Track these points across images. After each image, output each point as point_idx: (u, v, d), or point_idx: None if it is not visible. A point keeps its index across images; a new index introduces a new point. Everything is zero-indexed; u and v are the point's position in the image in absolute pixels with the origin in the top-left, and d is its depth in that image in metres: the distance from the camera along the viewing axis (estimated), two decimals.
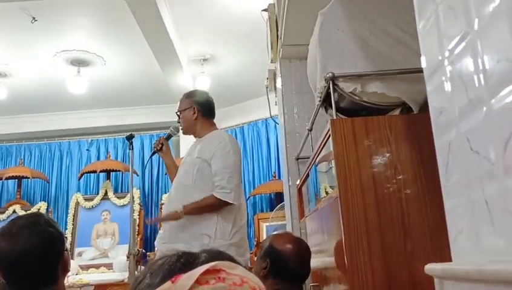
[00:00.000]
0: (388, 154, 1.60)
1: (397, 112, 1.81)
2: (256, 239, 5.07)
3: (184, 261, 0.53)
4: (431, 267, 0.59)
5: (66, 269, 1.31)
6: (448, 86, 0.59)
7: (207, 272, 0.46)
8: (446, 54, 0.58)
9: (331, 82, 1.74)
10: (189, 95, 2.57)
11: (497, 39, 0.48)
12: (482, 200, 0.51)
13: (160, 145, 2.59)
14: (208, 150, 2.37)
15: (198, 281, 0.45)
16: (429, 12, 0.63)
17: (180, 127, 2.61)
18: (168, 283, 0.46)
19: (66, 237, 1.41)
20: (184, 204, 2.28)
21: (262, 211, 5.51)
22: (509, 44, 0.45)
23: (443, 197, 0.64)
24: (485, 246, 0.51)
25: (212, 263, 0.48)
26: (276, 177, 5.41)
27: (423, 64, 0.67)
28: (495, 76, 0.48)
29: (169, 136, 2.67)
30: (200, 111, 2.48)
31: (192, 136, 2.62)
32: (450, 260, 0.63)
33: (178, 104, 2.60)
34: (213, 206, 2.27)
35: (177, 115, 2.59)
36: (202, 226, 2.26)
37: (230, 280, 0.46)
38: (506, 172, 0.46)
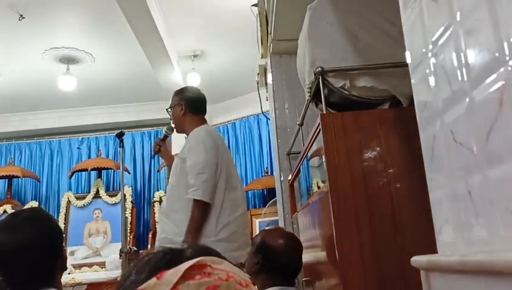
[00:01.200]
0: (378, 148, 1.61)
1: (386, 105, 1.81)
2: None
3: (170, 258, 0.52)
4: (416, 260, 0.60)
5: (64, 267, 1.30)
6: (431, 78, 0.59)
7: (192, 267, 0.46)
8: (430, 46, 0.59)
9: (320, 77, 1.74)
10: (178, 92, 2.55)
11: (479, 29, 0.48)
12: (465, 192, 0.51)
13: (158, 147, 2.59)
14: (186, 149, 2.34)
15: (183, 277, 0.45)
16: (413, 4, 0.63)
17: (173, 126, 2.61)
18: (153, 280, 0.46)
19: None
20: (171, 204, 2.29)
21: (255, 207, 5.52)
22: (490, 34, 0.45)
23: (428, 189, 0.64)
24: (469, 237, 0.51)
25: (198, 259, 0.48)
26: (269, 173, 5.42)
27: (408, 57, 0.67)
28: (477, 66, 0.48)
29: (165, 137, 2.67)
30: (188, 107, 2.44)
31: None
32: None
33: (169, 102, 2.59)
34: (197, 211, 2.18)
35: (168, 112, 2.58)
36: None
37: (216, 275, 0.46)
38: (488, 163, 0.46)
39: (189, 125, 2.43)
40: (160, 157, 2.68)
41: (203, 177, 2.20)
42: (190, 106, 2.45)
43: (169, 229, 2.27)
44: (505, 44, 0.43)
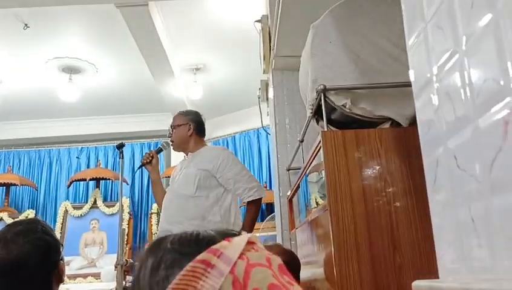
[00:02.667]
0: (378, 167, 1.61)
1: (387, 125, 1.82)
2: None
3: (200, 235, 0.54)
4: (418, 284, 0.60)
5: (60, 279, 1.28)
6: (436, 104, 0.59)
7: (247, 242, 0.50)
8: (435, 71, 0.59)
9: (322, 94, 1.75)
10: (185, 113, 2.72)
11: (484, 59, 0.48)
12: (468, 218, 0.51)
13: (150, 159, 2.65)
14: (208, 162, 2.50)
15: (244, 248, 0.49)
16: (418, 30, 0.64)
17: (171, 142, 2.67)
18: (225, 242, 0.49)
19: (62, 245, 1.37)
20: (185, 213, 2.43)
21: None
22: (495, 64, 0.46)
23: (430, 214, 0.64)
24: (472, 264, 0.51)
25: (250, 235, 0.52)
26: (267, 188, 5.40)
27: (412, 81, 0.67)
28: (482, 95, 0.48)
29: (160, 150, 2.72)
30: (195, 129, 2.63)
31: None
32: (438, 274, 0.63)
33: (173, 120, 2.68)
34: (258, 208, 2.50)
35: (170, 129, 2.66)
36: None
37: (263, 251, 0.51)
38: (492, 191, 0.46)
39: (194, 145, 2.64)
40: (148, 170, 2.68)
41: (255, 179, 2.57)
42: (197, 128, 2.65)
43: None
44: (510, 73, 0.44)
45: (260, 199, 2.48)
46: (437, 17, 0.57)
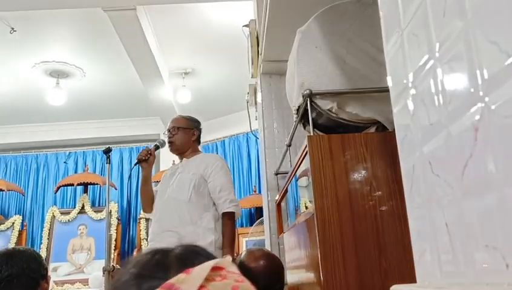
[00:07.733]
0: (363, 171, 1.62)
1: (373, 129, 1.84)
2: (236, 254, 5.02)
3: (159, 257, 0.53)
4: (395, 289, 0.60)
5: None
6: (411, 110, 0.60)
7: (212, 269, 0.47)
8: (411, 78, 0.60)
9: (308, 99, 1.76)
10: (191, 119, 2.80)
11: (455, 66, 0.49)
12: (442, 223, 0.52)
13: (148, 155, 2.60)
14: (203, 168, 2.55)
15: (206, 278, 0.46)
16: (395, 37, 0.65)
17: (169, 143, 2.66)
18: (183, 274, 0.46)
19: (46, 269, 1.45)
20: (180, 218, 2.44)
21: (242, 225, 5.48)
22: (465, 71, 0.47)
23: (408, 219, 0.65)
24: (446, 268, 0.52)
25: (216, 261, 0.49)
26: (257, 192, 5.40)
27: (390, 87, 0.68)
28: (454, 102, 0.49)
29: (157, 147, 2.73)
30: (198, 137, 2.74)
31: (172, 154, 2.77)
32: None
33: (176, 121, 2.71)
34: (233, 223, 2.52)
35: (173, 129, 2.66)
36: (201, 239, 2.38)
37: (232, 277, 0.48)
38: (463, 197, 0.47)
39: (192, 151, 2.71)
40: (142, 167, 2.62)
41: (235, 196, 2.61)
42: (199, 137, 2.76)
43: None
44: (480, 80, 0.45)
45: (234, 214, 2.51)
46: (413, 24, 0.58)
